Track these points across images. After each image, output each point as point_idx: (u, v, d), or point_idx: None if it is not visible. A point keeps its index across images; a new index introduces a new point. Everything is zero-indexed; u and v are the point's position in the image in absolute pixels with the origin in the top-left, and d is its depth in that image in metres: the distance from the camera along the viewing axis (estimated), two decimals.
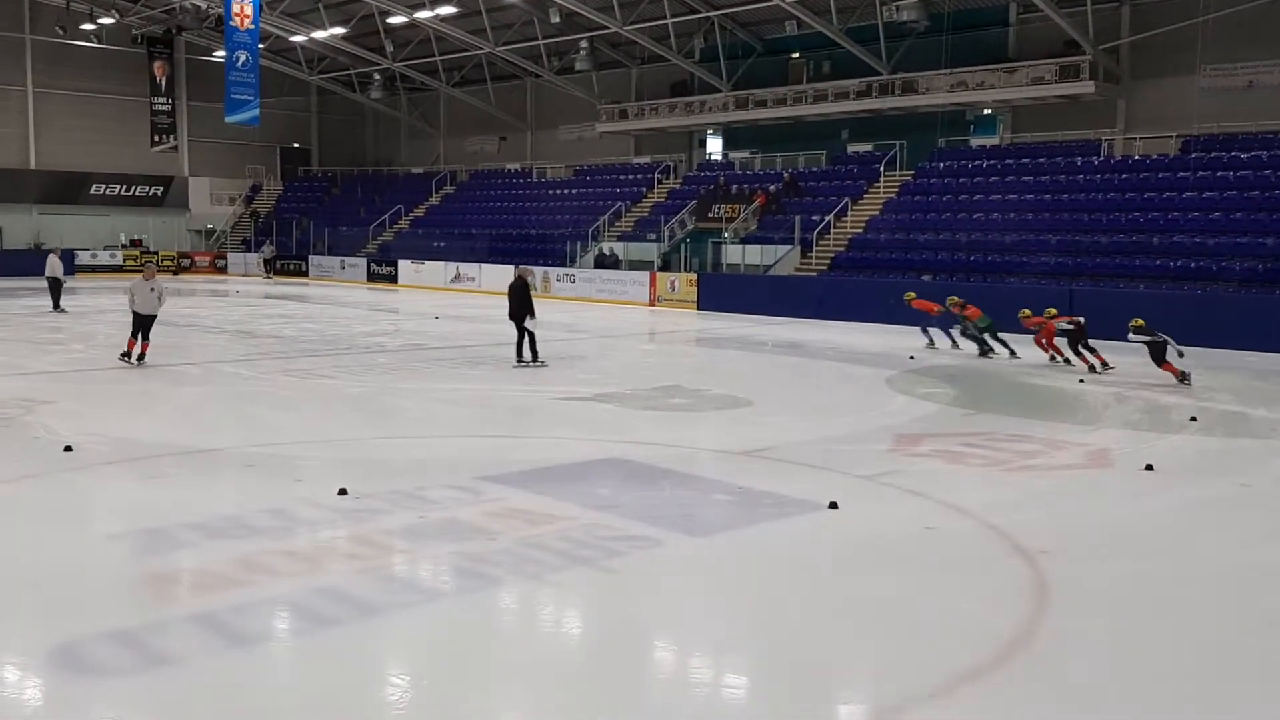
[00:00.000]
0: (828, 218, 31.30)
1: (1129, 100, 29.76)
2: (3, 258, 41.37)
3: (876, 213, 31.23)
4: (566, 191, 41.41)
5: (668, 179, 39.10)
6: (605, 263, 34.22)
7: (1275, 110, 26.99)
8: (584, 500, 8.55)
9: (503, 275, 34.18)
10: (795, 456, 10.46)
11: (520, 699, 5.24)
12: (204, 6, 39.14)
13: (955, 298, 19.88)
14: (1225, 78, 28.00)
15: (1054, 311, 18.28)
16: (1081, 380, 15.96)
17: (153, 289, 16.09)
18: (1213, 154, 27.04)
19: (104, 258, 43.93)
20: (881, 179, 32.53)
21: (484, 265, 36.87)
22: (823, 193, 33.49)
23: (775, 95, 35.04)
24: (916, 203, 30.67)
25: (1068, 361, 17.70)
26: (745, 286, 29.74)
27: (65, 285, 26.43)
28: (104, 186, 46.40)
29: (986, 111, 32.94)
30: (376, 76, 46.11)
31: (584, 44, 37.63)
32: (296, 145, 52.34)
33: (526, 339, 16.76)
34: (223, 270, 46.68)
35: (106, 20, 42.14)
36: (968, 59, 30.80)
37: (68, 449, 10.08)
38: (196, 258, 47.02)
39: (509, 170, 45.68)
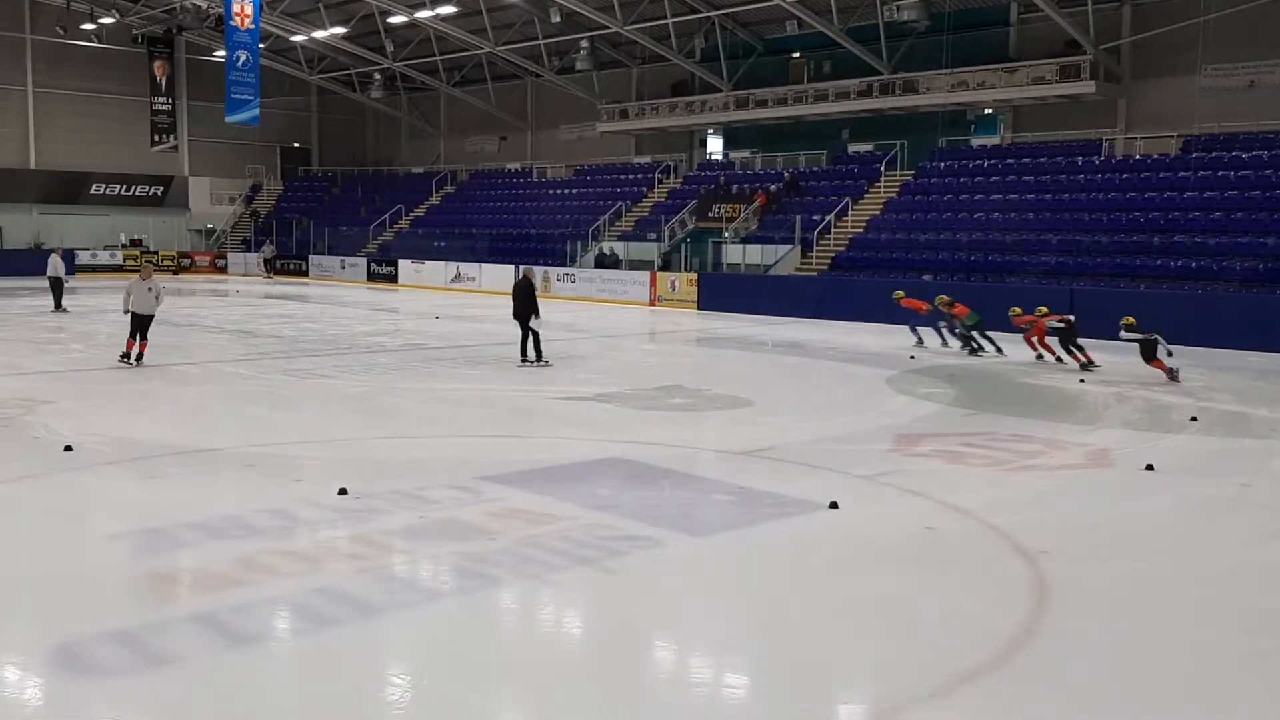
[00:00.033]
0: (828, 217, 31.29)
1: (1130, 100, 29.75)
2: (3, 258, 41.39)
3: (877, 212, 31.23)
4: (567, 191, 41.41)
5: (668, 179, 39.10)
6: (606, 262, 34.22)
7: (1276, 110, 26.97)
8: (584, 500, 8.55)
9: (503, 275, 34.37)
10: (796, 456, 10.46)
11: (520, 699, 5.24)
12: (204, 6, 39.14)
13: (944, 296, 20.01)
14: (1226, 77, 27.99)
15: (1045, 310, 18.38)
16: (1082, 380, 15.96)
17: (150, 289, 16.10)
18: (1213, 154, 27.03)
19: (104, 257, 43.93)
20: (882, 179, 32.52)
21: (484, 265, 36.88)
22: (823, 192, 33.48)
23: (776, 95, 35.03)
24: (917, 202, 30.67)
25: (1059, 360, 17.80)
26: (746, 286, 29.72)
27: (67, 285, 26.40)
28: (104, 186, 46.41)
29: (987, 111, 32.93)
30: (377, 76, 46.10)
31: (584, 44, 37.63)
32: (297, 145, 52.35)
33: (531, 338, 16.80)
34: (223, 270, 46.68)
35: (107, 20, 42.15)
36: (968, 59, 30.79)
37: (68, 449, 10.08)
38: (196, 257, 47.02)
39: (509, 170, 45.68)
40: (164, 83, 45.63)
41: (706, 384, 15.58)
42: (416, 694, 5.25)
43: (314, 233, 45.63)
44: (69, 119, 44.85)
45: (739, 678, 5.60)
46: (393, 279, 40.23)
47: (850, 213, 31.77)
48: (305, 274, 44.39)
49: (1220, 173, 26.23)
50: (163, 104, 45.95)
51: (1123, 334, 16.24)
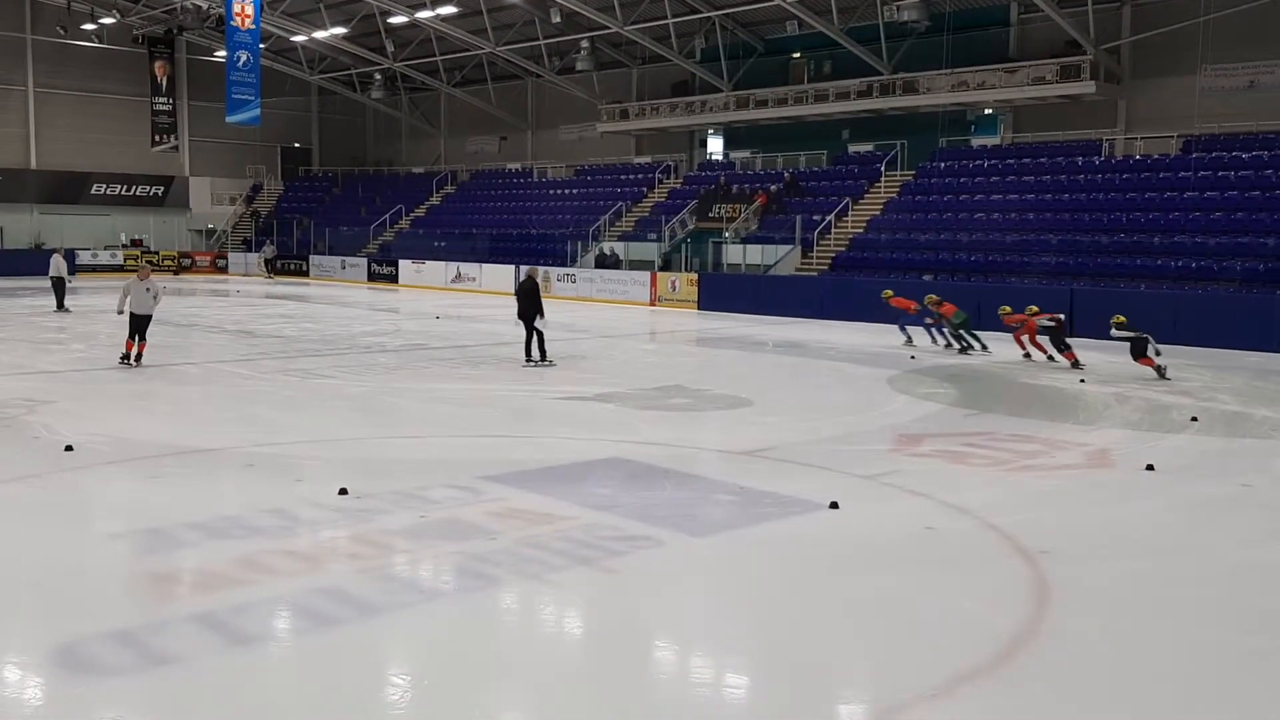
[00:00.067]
0: (828, 218, 31.30)
1: (1130, 100, 29.76)
2: (3, 258, 41.40)
3: (877, 213, 31.23)
4: (567, 191, 41.41)
5: (668, 179, 39.10)
6: (606, 262, 34.22)
7: (1276, 110, 26.98)
8: (584, 500, 8.55)
9: (504, 275, 34.42)
10: (796, 456, 10.46)
11: (520, 699, 5.24)
12: (205, 6, 39.16)
13: (932, 295, 20.13)
14: (1226, 77, 27.99)
15: (1035, 309, 18.54)
16: (1082, 380, 15.97)
17: (148, 289, 16.11)
18: (1214, 154, 27.03)
19: (104, 257, 43.95)
20: (882, 179, 32.53)
21: (485, 265, 36.90)
22: (823, 192, 33.49)
23: (776, 95, 35.04)
24: (917, 203, 30.67)
25: (1051, 358, 17.98)
26: (746, 286, 29.72)
27: (69, 285, 26.40)
28: (105, 186, 46.44)
29: (987, 111, 32.93)
30: (377, 76, 46.12)
31: (585, 44, 37.65)
32: (297, 145, 52.37)
33: (536, 338, 16.81)
34: (223, 270, 46.69)
35: (107, 20, 42.17)
36: (969, 59, 30.80)
37: (69, 448, 10.09)
38: (197, 257, 47.04)
39: (510, 170, 45.68)
40: (165, 83, 45.65)
41: (707, 384, 15.58)
42: (417, 694, 5.25)
43: (314, 233, 45.65)
44: (70, 119, 44.88)
45: (739, 678, 5.60)
46: (393, 279, 40.24)
47: (850, 213, 31.77)
48: (306, 274, 44.40)
49: (1220, 173, 26.23)
50: (163, 104, 45.96)
51: (1114, 332, 16.58)
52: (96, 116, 45.43)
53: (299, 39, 42.84)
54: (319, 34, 41.43)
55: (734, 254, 31.83)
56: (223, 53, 39.02)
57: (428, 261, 39.15)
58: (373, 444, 10.90)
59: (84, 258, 42.47)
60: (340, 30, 41.00)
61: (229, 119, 38.19)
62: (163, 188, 48.13)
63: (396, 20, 38.92)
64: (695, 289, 30.25)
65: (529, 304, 16.80)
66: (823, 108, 33.95)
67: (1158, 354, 16.11)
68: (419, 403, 13.71)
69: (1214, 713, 5.17)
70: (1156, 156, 28.19)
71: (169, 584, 6.66)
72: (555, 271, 34.16)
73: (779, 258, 30.58)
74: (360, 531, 7.67)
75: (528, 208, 41.69)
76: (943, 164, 31.92)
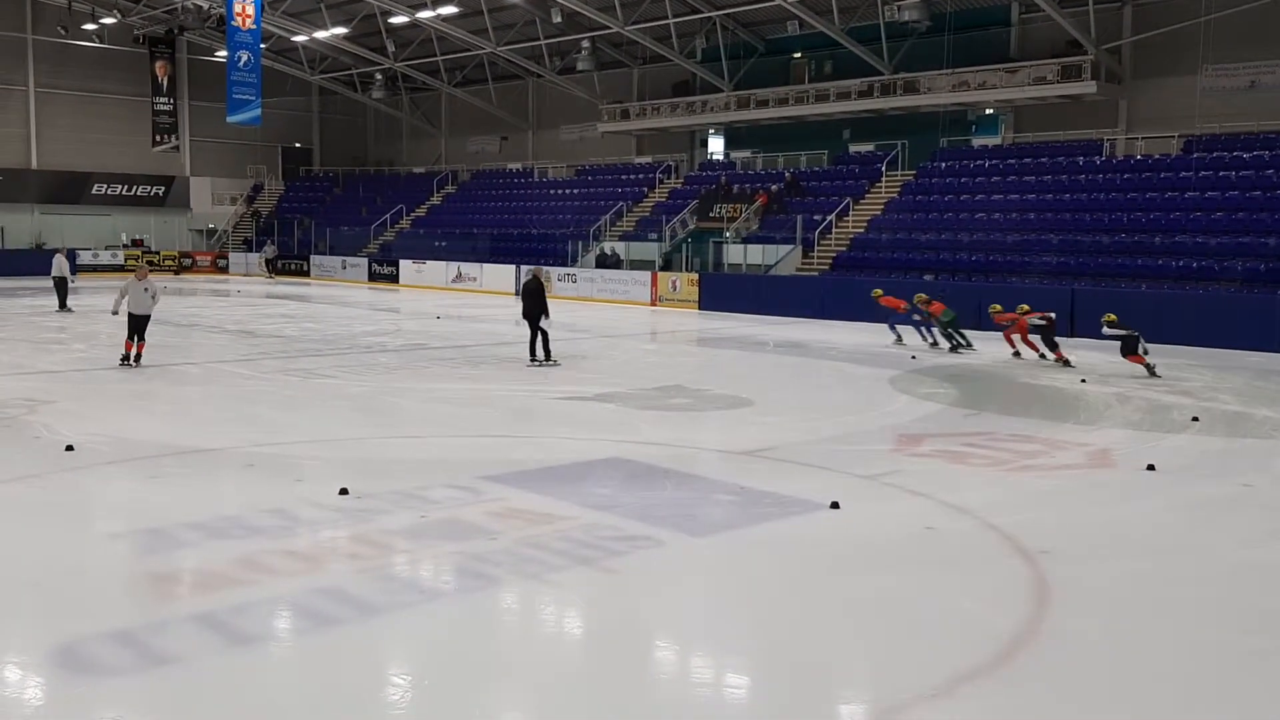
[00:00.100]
0: (829, 217, 31.30)
1: (1131, 100, 29.75)
2: (4, 258, 41.42)
3: (878, 212, 31.22)
4: (568, 191, 41.42)
5: (669, 179, 39.10)
6: (607, 262, 34.22)
7: (1277, 110, 26.98)
8: (584, 500, 8.55)
9: (504, 275, 34.44)
10: (796, 456, 10.46)
11: (520, 699, 5.24)
12: (206, 6, 39.17)
13: (921, 294, 20.23)
14: (1227, 77, 27.98)
15: (1026, 308, 18.72)
16: (1083, 380, 15.97)
17: (146, 289, 16.12)
18: (1215, 154, 27.03)
19: (105, 257, 43.96)
20: (883, 179, 32.52)
21: (485, 265, 36.90)
22: (824, 192, 33.48)
23: (777, 95, 35.04)
24: (918, 202, 30.66)
25: (1042, 356, 18.12)
26: (747, 286, 29.72)
27: (71, 285, 26.40)
28: (105, 186, 46.46)
29: (988, 111, 32.93)
30: (378, 76, 46.12)
31: (585, 44, 37.65)
32: (298, 145, 52.39)
33: (540, 338, 16.83)
34: (224, 270, 46.71)
35: (108, 20, 42.19)
36: (969, 59, 30.79)
37: (69, 448, 10.09)
38: (198, 257, 47.06)
39: (510, 170, 45.69)
40: (165, 83, 45.68)
41: (707, 384, 15.58)
42: (417, 694, 5.25)
43: (315, 233, 45.66)
44: (70, 119, 44.90)
45: (739, 678, 5.60)
46: (394, 279, 40.25)
47: (851, 213, 31.77)
48: (306, 274, 44.41)
49: (1221, 173, 26.22)
50: (164, 104, 45.99)
51: (1105, 330, 16.84)
52: (97, 116, 45.45)
53: (300, 39, 42.85)
54: (320, 34, 41.44)
55: (735, 254, 31.83)
56: (223, 53, 39.03)
57: (428, 261, 39.16)
58: (373, 444, 10.90)
59: (85, 258, 42.47)
60: (341, 30, 41.02)
61: (230, 119, 38.19)
62: (163, 188, 48.15)
63: (397, 20, 38.93)
64: (696, 289, 30.25)
65: (534, 304, 16.81)
66: (823, 108, 33.95)
67: (1146, 352, 16.31)
68: (419, 403, 13.71)
69: (1214, 713, 5.17)
70: (1157, 156, 28.19)
71: (169, 584, 6.66)
72: (556, 271, 34.15)
73: (780, 258, 30.58)
74: (360, 531, 7.67)
75: (528, 208, 41.69)
76: (944, 164, 31.91)
